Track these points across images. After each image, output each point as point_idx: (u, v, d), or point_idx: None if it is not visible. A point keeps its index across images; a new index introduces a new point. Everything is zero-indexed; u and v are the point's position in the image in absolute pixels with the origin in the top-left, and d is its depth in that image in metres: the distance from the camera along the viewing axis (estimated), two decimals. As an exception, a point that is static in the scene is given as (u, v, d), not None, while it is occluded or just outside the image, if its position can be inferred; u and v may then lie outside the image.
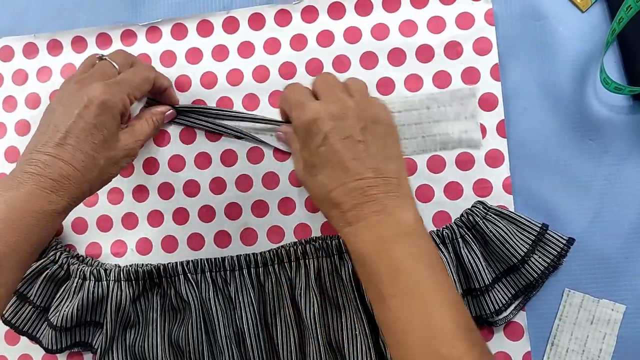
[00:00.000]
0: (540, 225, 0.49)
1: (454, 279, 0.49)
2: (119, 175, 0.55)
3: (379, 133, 0.43)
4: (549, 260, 0.49)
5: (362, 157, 0.41)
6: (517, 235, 0.49)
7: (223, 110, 0.54)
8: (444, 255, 0.50)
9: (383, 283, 0.38)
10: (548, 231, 0.50)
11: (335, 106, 0.42)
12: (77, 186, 0.43)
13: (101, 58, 0.49)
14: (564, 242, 0.49)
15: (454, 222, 0.51)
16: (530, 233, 0.49)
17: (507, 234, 0.49)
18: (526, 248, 0.49)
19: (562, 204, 0.51)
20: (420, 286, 0.38)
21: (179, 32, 0.57)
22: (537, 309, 0.51)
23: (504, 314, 0.50)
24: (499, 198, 0.52)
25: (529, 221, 0.50)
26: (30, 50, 0.59)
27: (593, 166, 0.51)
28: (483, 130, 0.52)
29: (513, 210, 0.51)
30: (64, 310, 0.52)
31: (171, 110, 0.54)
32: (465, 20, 0.53)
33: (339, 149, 0.41)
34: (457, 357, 0.35)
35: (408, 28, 0.54)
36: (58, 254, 0.54)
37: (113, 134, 0.46)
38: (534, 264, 0.49)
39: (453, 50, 0.53)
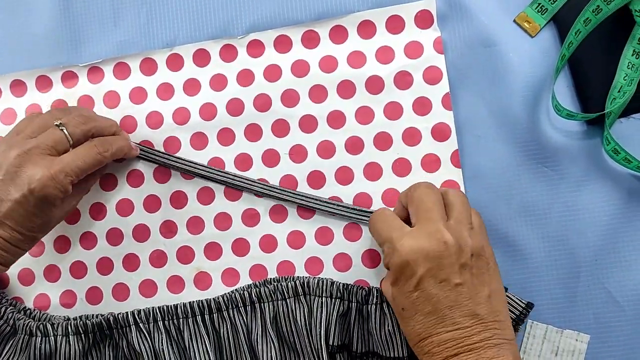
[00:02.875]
0: None
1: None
2: (65, 222, 0.53)
3: (479, 269, 0.40)
4: None
5: (459, 303, 0.38)
6: None
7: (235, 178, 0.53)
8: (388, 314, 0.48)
9: None
10: (507, 294, 0.48)
11: (431, 243, 0.39)
12: (13, 254, 0.46)
13: (59, 126, 0.47)
14: (523, 306, 0.48)
15: None
16: None
17: None
18: None
19: (521, 233, 0.50)
20: None
21: (122, 71, 0.55)
22: (501, 342, 0.50)
23: None
24: (457, 230, 0.51)
25: None
26: (-33, 96, 0.56)
27: (550, 194, 0.50)
28: (437, 161, 0.51)
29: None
30: (11, 369, 0.50)
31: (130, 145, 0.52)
32: (414, 50, 0.52)
33: (433, 295, 0.39)
34: None
35: (356, 59, 0.52)
36: (3, 308, 0.52)
37: (51, 215, 0.46)
38: None
39: (403, 80, 0.52)
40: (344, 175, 0.52)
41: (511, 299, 0.48)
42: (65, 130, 0.46)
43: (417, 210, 0.42)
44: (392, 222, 0.43)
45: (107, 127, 0.50)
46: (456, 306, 0.38)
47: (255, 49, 0.54)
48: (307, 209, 0.52)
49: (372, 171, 0.52)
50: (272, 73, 0.53)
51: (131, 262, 0.54)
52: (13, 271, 0.55)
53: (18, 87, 0.56)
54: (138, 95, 0.54)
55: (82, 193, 0.51)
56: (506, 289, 0.48)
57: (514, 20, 0.51)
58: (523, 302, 0.48)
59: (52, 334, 0.50)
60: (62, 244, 0.54)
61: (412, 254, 0.39)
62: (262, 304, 0.50)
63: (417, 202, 0.43)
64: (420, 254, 0.39)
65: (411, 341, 0.41)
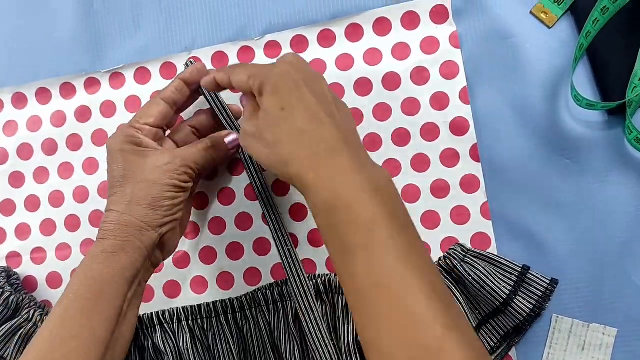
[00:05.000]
0: (521, 267, 0.48)
1: None
2: (90, 226, 0.55)
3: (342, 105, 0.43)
4: (533, 302, 0.47)
5: (334, 115, 0.39)
6: (498, 277, 0.47)
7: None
8: None
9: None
10: (530, 272, 0.48)
11: (303, 70, 0.41)
12: (117, 223, 0.44)
13: None
14: (547, 282, 0.48)
15: None
16: (511, 274, 0.48)
17: (487, 277, 0.47)
18: (508, 290, 0.47)
19: (543, 226, 0.50)
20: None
21: (143, 76, 0.56)
22: (526, 337, 0.49)
23: None
24: (478, 224, 0.50)
25: (509, 262, 0.48)
26: (-5, 105, 0.58)
27: (572, 186, 0.50)
28: (456, 156, 0.51)
29: (493, 236, 0.50)
30: (40, 370, 0.51)
31: (233, 136, 0.51)
32: (430, 45, 0.52)
33: (312, 100, 0.39)
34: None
35: (373, 56, 0.53)
36: (32, 311, 0.53)
37: (132, 164, 0.45)
38: (519, 305, 0.47)
39: (420, 76, 0.52)
40: (363, 173, 0.52)
41: (535, 276, 0.48)
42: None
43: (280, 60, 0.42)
44: (253, 64, 0.45)
45: None
46: (332, 116, 0.39)
47: (272, 49, 0.54)
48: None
49: (391, 167, 0.52)
50: (289, 73, 0.53)
51: (155, 263, 0.54)
52: (42, 274, 0.56)
53: (43, 94, 0.57)
54: (158, 99, 0.55)
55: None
56: (529, 268, 0.48)
57: (531, 12, 0.51)
58: (547, 279, 0.47)
59: (79, 335, 0.51)
60: (89, 247, 0.55)
61: (290, 68, 0.40)
62: (284, 303, 0.50)
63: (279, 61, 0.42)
64: (296, 71, 0.40)
65: (289, 138, 0.39)
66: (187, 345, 0.51)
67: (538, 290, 0.47)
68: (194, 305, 0.52)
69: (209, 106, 0.51)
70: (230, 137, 0.50)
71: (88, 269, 0.42)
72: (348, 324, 0.48)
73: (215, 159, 0.49)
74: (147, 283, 0.53)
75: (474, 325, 0.47)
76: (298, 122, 0.38)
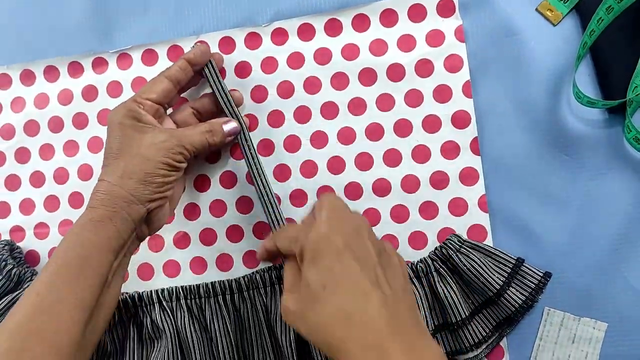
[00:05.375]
0: (515, 259, 0.49)
1: (425, 315, 0.48)
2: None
3: (392, 261, 0.40)
4: (526, 294, 0.48)
5: (381, 282, 0.37)
6: (492, 269, 0.48)
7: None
8: (418, 289, 0.49)
9: None
10: (524, 265, 0.49)
11: (345, 224, 0.39)
12: (108, 193, 0.44)
13: None
14: (541, 275, 0.49)
15: (428, 256, 0.50)
16: (506, 266, 0.49)
17: (481, 267, 0.48)
18: (501, 281, 0.48)
19: (539, 221, 0.50)
20: None
21: (150, 58, 0.56)
22: (517, 329, 0.50)
23: (475, 352, 0.49)
24: (475, 216, 0.51)
25: (504, 254, 0.49)
26: (3, 82, 0.59)
27: (570, 182, 0.50)
28: (456, 148, 0.52)
29: (490, 229, 0.51)
30: (40, 343, 0.52)
31: (233, 123, 0.51)
32: (435, 38, 0.52)
33: (356, 269, 0.37)
34: None
35: (378, 47, 0.53)
36: (33, 285, 0.54)
37: (129, 138, 0.46)
38: (511, 297, 0.48)
39: (424, 68, 0.52)
40: (364, 162, 0.53)
41: (529, 268, 0.49)
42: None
43: (324, 208, 0.40)
44: (305, 219, 0.43)
45: None
46: (378, 283, 0.37)
47: (279, 37, 0.55)
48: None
49: (392, 157, 0.53)
50: (295, 61, 0.54)
51: (156, 243, 0.55)
52: (43, 249, 0.57)
53: (51, 72, 0.58)
54: (165, 81, 0.56)
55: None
56: (523, 261, 0.48)
57: (536, 9, 0.51)
58: (541, 272, 0.48)
59: (79, 310, 0.52)
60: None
61: (329, 230, 0.38)
62: (281, 286, 0.51)
63: (324, 204, 0.41)
64: (337, 230, 0.38)
65: (336, 322, 0.36)
66: (184, 323, 0.52)
67: (531, 282, 0.48)
68: (193, 285, 0.53)
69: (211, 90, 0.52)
70: (229, 125, 0.51)
71: (76, 236, 0.43)
72: None
73: (212, 144, 0.50)
74: (148, 262, 0.54)
75: (467, 315, 0.48)
76: (342, 302, 0.36)
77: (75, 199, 0.57)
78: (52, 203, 0.57)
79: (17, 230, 0.57)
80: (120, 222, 0.44)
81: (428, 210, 0.52)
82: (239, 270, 0.54)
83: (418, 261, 0.50)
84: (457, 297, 0.48)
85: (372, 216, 0.52)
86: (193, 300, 0.53)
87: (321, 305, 0.36)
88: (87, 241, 0.43)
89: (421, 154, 0.52)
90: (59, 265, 0.42)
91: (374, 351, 0.34)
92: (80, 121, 0.57)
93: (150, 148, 0.46)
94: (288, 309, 0.38)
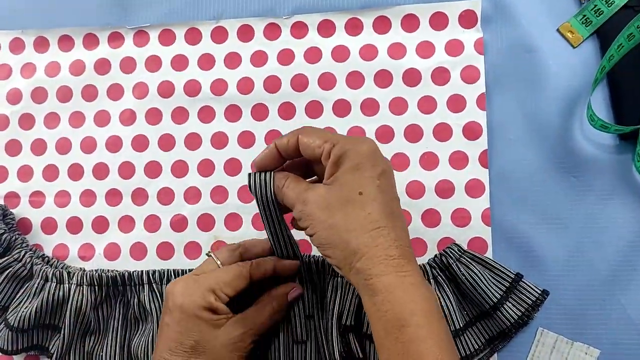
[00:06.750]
0: (514, 274, 0.48)
1: None
2: (93, 177, 0.55)
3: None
4: (522, 310, 0.48)
5: (396, 200, 0.40)
6: (490, 281, 0.48)
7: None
8: None
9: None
10: (523, 280, 0.48)
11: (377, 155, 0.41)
12: None
13: (207, 254, 0.47)
14: (538, 293, 0.48)
15: (427, 263, 0.50)
16: (504, 279, 0.48)
17: (480, 279, 0.47)
18: (499, 294, 0.47)
19: (540, 240, 0.50)
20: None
21: (167, 38, 0.56)
22: (509, 347, 0.50)
23: None
24: (477, 229, 0.51)
25: (503, 268, 0.48)
26: (16, 46, 0.58)
27: (574, 204, 0.50)
28: (465, 159, 0.51)
29: (490, 242, 0.50)
30: (23, 311, 0.51)
31: (294, 289, 0.47)
32: (454, 47, 0.52)
33: (392, 187, 0.40)
34: None
35: (397, 51, 0.53)
36: (23, 252, 0.53)
37: (205, 335, 0.42)
38: (507, 312, 0.47)
39: (440, 76, 0.52)
40: (371, 163, 0.52)
41: (527, 285, 0.48)
42: (212, 256, 0.46)
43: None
44: (326, 131, 0.43)
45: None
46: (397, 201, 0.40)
47: (299, 30, 0.55)
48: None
49: (399, 162, 0.52)
50: (313, 55, 0.54)
51: (152, 223, 0.54)
52: (37, 218, 0.56)
53: (66, 42, 0.57)
54: (180, 62, 0.56)
55: (252, 326, 0.44)
56: (521, 277, 0.48)
57: (558, 29, 0.52)
58: (539, 289, 0.48)
59: (67, 282, 0.51)
60: (88, 198, 0.55)
61: (374, 146, 0.40)
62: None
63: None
64: (377, 151, 0.40)
65: (363, 229, 0.38)
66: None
67: (528, 299, 0.48)
68: (185, 270, 0.52)
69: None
70: (293, 294, 0.47)
71: None
72: (334, 306, 0.48)
73: (278, 320, 0.46)
74: (141, 241, 0.53)
75: (461, 326, 0.47)
76: (376, 214, 0.38)
77: (75, 171, 0.56)
78: (51, 172, 0.56)
79: (12, 197, 0.56)
80: None
81: (430, 217, 0.51)
82: (234, 259, 0.53)
83: None
84: (452, 307, 0.47)
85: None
86: (183, 285, 0.51)
87: (354, 211, 0.38)
88: None
89: (429, 161, 0.52)
90: None
91: (394, 263, 0.37)
92: (89, 93, 0.56)
93: (227, 348, 0.42)
94: (308, 199, 0.39)
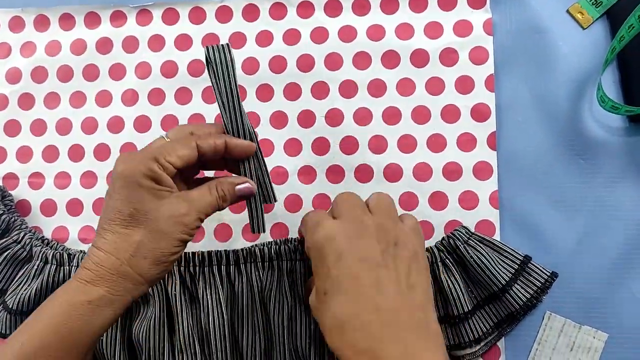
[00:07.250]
0: (523, 256, 0.48)
1: None
2: (94, 158, 0.54)
3: (401, 258, 0.38)
4: (531, 292, 0.47)
5: (381, 284, 0.36)
6: (499, 264, 0.47)
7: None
8: None
9: None
10: (531, 262, 0.48)
11: (351, 224, 0.39)
12: (115, 273, 0.38)
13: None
14: (547, 275, 0.48)
15: (435, 246, 0.49)
16: (513, 262, 0.48)
17: (488, 261, 0.46)
18: (507, 277, 0.47)
19: (549, 223, 0.50)
20: None
21: (170, 17, 0.55)
22: (516, 331, 0.49)
23: (474, 349, 0.48)
24: (485, 212, 0.50)
25: (511, 250, 0.48)
26: (16, 24, 0.57)
27: (583, 186, 0.50)
28: (473, 141, 0.51)
29: (498, 225, 0.50)
30: (21, 294, 0.50)
31: (246, 184, 0.43)
32: (463, 28, 0.52)
33: (354, 272, 0.37)
34: None
35: (404, 31, 0.52)
36: (22, 234, 0.52)
37: (145, 204, 0.39)
38: (516, 294, 0.47)
39: (448, 57, 0.52)
40: (378, 144, 0.52)
41: (536, 267, 0.48)
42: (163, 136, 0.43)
43: (340, 206, 0.41)
44: (321, 212, 0.42)
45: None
46: (378, 285, 0.36)
47: (305, 9, 0.54)
48: (336, 173, 0.52)
49: (407, 143, 0.51)
50: (319, 35, 0.53)
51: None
52: (36, 200, 0.55)
53: (66, 20, 0.56)
54: (183, 42, 0.55)
55: (197, 204, 0.41)
56: (530, 258, 0.47)
57: (567, 10, 0.51)
58: (547, 271, 0.47)
59: (67, 264, 0.50)
60: (89, 179, 0.54)
61: (333, 231, 0.38)
62: (280, 262, 0.50)
63: (340, 201, 0.41)
64: (341, 232, 0.38)
65: (331, 329, 0.37)
66: (175, 291, 0.50)
67: (537, 281, 0.47)
68: (188, 252, 0.51)
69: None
70: (242, 187, 0.43)
71: (66, 318, 0.37)
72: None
73: (221, 208, 0.43)
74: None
75: (469, 309, 0.47)
76: (337, 309, 0.37)
77: (76, 152, 0.55)
78: (50, 153, 0.55)
79: (11, 178, 0.55)
80: (120, 307, 0.39)
81: (438, 200, 0.51)
82: (238, 242, 0.52)
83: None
84: (460, 290, 0.47)
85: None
86: (186, 269, 0.51)
87: (322, 311, 0.37)
88: (76, 329, 0.38)
89: (437, 143, 0.51)
90: (36, 346, 0.37)
91: (365, 356, 0.34)
92: (90, 73, 0.55)
93: (168, 222, 0.39)
94: (310, 302, 0.40)
